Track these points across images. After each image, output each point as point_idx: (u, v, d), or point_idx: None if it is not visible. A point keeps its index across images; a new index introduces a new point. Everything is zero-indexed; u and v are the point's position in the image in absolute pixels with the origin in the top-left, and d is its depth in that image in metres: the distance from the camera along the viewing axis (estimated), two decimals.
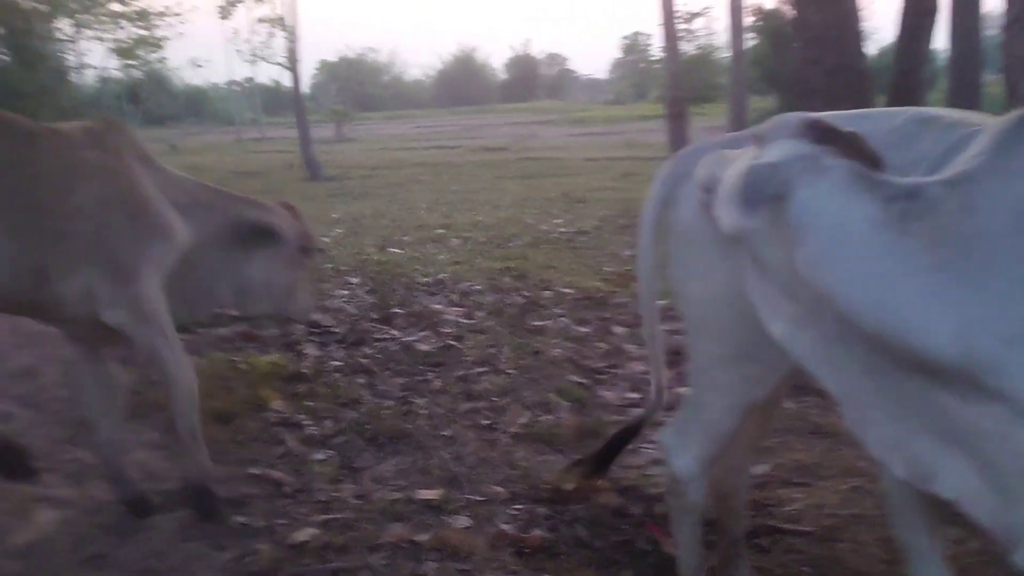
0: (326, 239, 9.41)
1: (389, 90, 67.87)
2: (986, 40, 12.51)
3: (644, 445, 3.71)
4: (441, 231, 9.73)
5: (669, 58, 11.65)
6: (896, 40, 8.17)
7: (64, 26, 25.42)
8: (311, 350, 4.99)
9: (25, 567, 2.88)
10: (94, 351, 3.13)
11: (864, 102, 6.67)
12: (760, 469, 3.49)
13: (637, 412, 4.06)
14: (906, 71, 7.85)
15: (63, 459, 3.70)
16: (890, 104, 8.40)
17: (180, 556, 2.91)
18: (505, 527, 3.02)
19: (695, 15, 29.18)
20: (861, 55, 7.54)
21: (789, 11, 26.04)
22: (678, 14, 11.50)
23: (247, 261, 3.29)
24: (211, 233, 3.17)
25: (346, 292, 6.48)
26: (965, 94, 10.42)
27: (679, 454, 2.39)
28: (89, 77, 29.77)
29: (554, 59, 78.00)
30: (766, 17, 24.21)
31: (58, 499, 3.35)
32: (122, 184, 2.90)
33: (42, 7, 22.78)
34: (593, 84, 73.70)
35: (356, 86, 61.18)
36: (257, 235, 3.27)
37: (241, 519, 3.11)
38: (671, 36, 11.60)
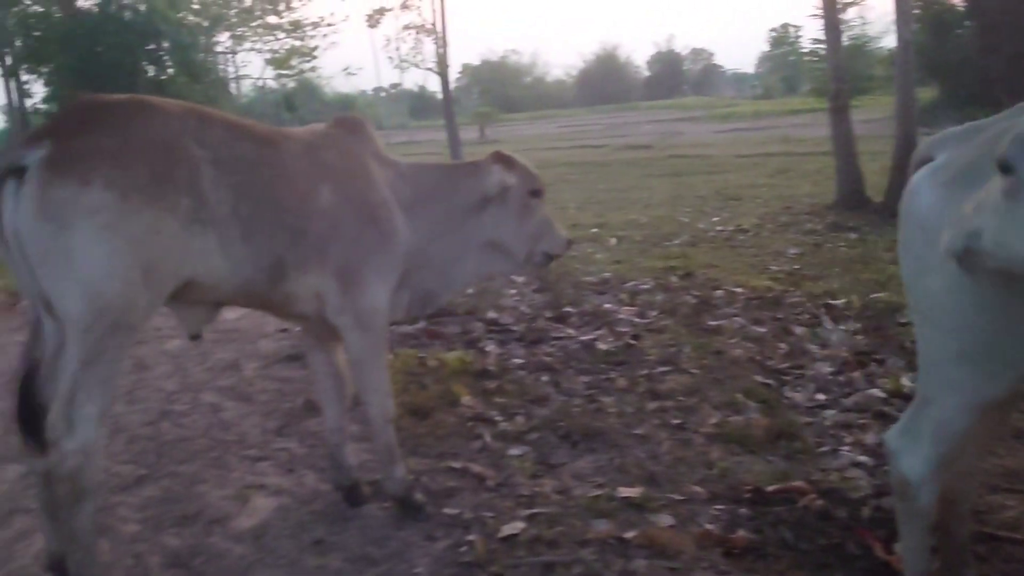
0: None
1: (531, 91, 68.34)
2: None
3: (842, 447, 3.64)
4: (596, 230, 9.75)
5: (830, 49, 11.26)
6: None
7: (223, 39, 26.84)
8: (492, 348, 5.10)
9: (252, 550, 3.06)
10: (327, 341, 3.29)
11: None
12: None
13: (828, 413, 4.00)
14: None
15: (274, 448, 3.93)
16: None
17: (395, 544, 3.04)
18: (710, 527, 3.02)
19: (849, 4, 28.18)
20: None
21: None
22: (837, 2, 11.11)
23: (483, 227, 3.30)
24: (441, 219, 3.24)
25: (515, 291, 6.58)
26: None
27: (908, 456, 2.32)
28: (246, 87, 31.28)
29: (699, 54, 76.89)
30: (925, 5, 23.18)
31: (273, 487, 3.56)
32: (356, 189, 3.03)
33: (204, 22, 24.10)
34: (740, 79, 72.16)
35: (498, 88, 61.92)
36: (484, 201, 3.30)
37: (449, 511, 3.22)
38: (833, 25, 11.22)
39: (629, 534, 2.95)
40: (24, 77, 21.40)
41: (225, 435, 4.14)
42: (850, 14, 29.21)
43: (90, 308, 2.41)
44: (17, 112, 21.63)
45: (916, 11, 24.39)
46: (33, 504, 3.07)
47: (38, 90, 21.54)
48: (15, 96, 21.54)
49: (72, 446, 2.45)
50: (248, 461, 3.83)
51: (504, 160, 3.33)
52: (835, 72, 11.12)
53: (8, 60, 21.24)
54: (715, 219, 10.27)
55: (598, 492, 3.28)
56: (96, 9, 20.55)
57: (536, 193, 3.36)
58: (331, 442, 3.38)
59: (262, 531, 3.20)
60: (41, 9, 20.89)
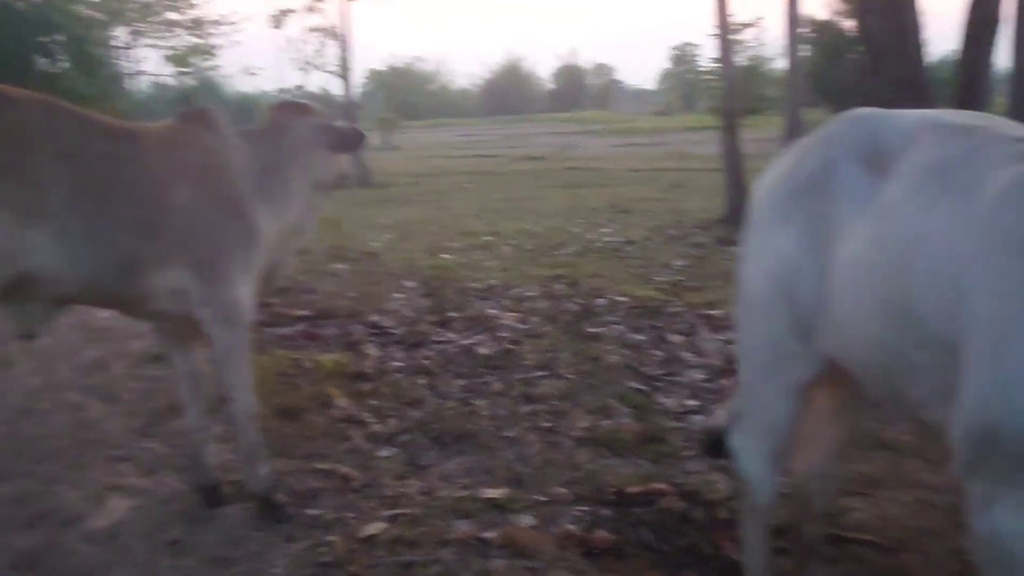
0: (376, 244, 9.54)
1: (436, 99, 68.22)
2: None
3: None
4: (489, 238, 9.80)
5: (724, 68, 11.60)
6: (959, 51, 8.05)
7: (120, 33, 26.02)
8: (372, 350, 5.07)
9: (103, 551, 2.97)
10: (186, 340, 3.21)
11: None
12: None
13: (697, 419, 4.09)
14: (970, 83, 7.75)
15: (137, 449, 3.81)
16: None
17: (254, 545, 2.98)
18: (571, 527, 3.05)
19: (746, 26, 29.08)
20: (922, 67, 7.46)
21: (844, 23, 25.84)
22: (731, 25, 11.46)
23: (309, 175, 3.29)
24: (285, 187, 3.21)
25: (401, 296, 6.56)
26: None
27: (746, 454, 2.43)
28: (144, 84, 30.39)
29: (601, 69, 77.87)
30: (819, 29, 24.06)
31: (132, 487, 3.46)
32: (213, 183, 2.98)
33: (100, 15, 23.34)
34: (641, 95, 73.39)
35: (403, 95, 61.66)
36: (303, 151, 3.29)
37: (311, 511, 3.18)
38: (726, 46, 11.57)
39: (489, 534, 2.96)
40: None
41: (87, 434, 4.00)
42: (748, 35, 30.16)
43: None
44: None
45: (812, 35, 25.35)
46: None
47: None
48: None
49: None
50: (109, 461, 3.71)
51: (297, 107, 3.37)
52: (726, 91, 11.45)
53: None
54: (605, 230, 10.42)
55: (463, 493, 3.28)
56: None
57: (330, 130, 3.39)
58: (191, 442, 3.31)
59: (117, 531, 3.10)
60: None
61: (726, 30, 11.43)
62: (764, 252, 2.25)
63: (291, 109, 3.34)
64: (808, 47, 22.87)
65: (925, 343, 1.78)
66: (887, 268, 1.86)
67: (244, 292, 3.00)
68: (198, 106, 3.38)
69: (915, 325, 1.79)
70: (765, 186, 2.31)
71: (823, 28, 23.95)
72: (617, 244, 9.39)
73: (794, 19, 11.40)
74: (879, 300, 1.88)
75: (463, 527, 3.03)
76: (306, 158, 3.25)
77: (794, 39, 10.22)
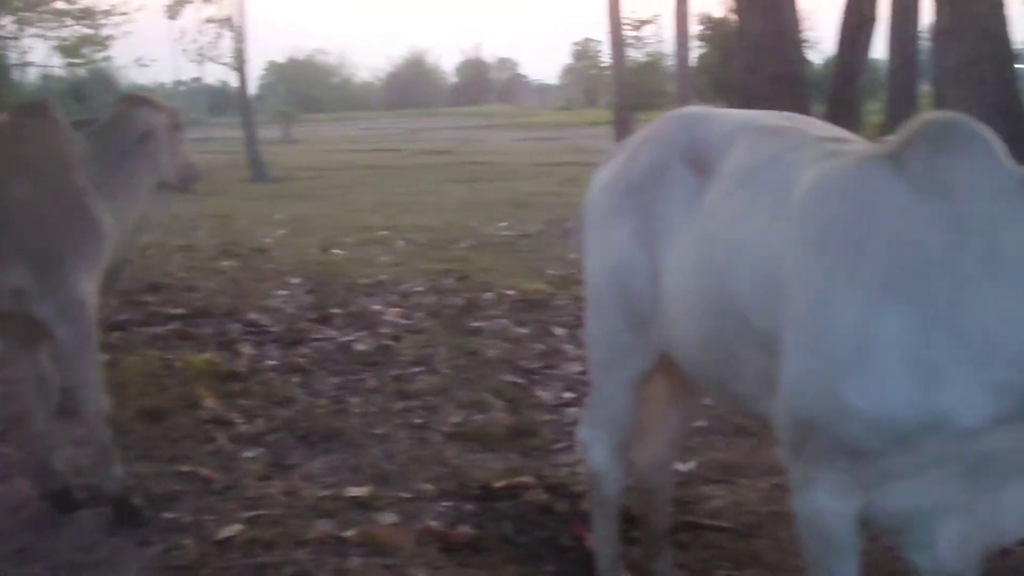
0: (268, 240, 9.39)
1: (338, 92, 67.36)
2: (924, 51, 12.83)
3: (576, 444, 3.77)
4: (384, 233, 9.74)
5: (615, 65, 11.77)
6: (836, 50, 8.34)
7: (6, 23, 24.93)
8: (247, 349, 4.99)
9: None
10: (28, 343, 3.11)
11: (803, 110, 6.80)
12: (684, 467, 3.58)
13: (570, 411, 4.14)
14: (845, 81, 8.03)
15: None
16: (830, 112, 8.54)
17: (106, 550, 2.91)
18: (432, 523, 3.05)
19: (644, 23, 29.51)
20: (800, 64, 7.67)
21: (735, 20, 26.43)
22: (627, 21, 11.63)
23: (149, 171, 3.23)
24: (125, 183, 3.14)
25: (286, 292, 6.48)
26: (902, 103, 10.68)
27: (593, 446, 2.47)
28: (32, 75, 29.19)
29: (505, 63, 78.07)
30: (714, 26, 24.58)
31: None
32: (53, 178, 2.90)
33: None
34: (544, 89, 73.81)
35: (304, 87, 60.72)
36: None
37: (168, 515, 3.12)
38: (618, 43, 11.74)
39: (348, 533, 2.94)
40: None
41: None
42: (646, 32, 30.61)
43: None
44: None
45: (707, 32, 25.89)
46: None
47: None
48: None
49: None
50: None
51: (142, 101, 3.33)
52: (618, 87, 11.62)
53: None
54: (502, 224, 10.47)
55: (326, 492, 3.25)
56: None
57: (177, 126, 3.39)
58: (40, 447, 3.20)
59: None
60: None
61: (618, 27, 11.62)
62: (602, 247, 2.29)
63: (135, 103, 3.27)
64: (703, 44, 23.39)
65: (748, 337, 1.84)
66: (711, 267, 1.92)
67: (87, 288, 2.91)
68: (35, 99, 3.27)
69: (739, 321, 1.85)
70: (602, 181, 2.35)
71: (718, 25, 24.49)
72: (512, 238, 9.44)
73: (683, 16, 11.68)
74: (705, 298, 1.93)
75: (323, 526, 3.00)
76: (150, 153, 3.17)
77: (683, 36, 10.45)
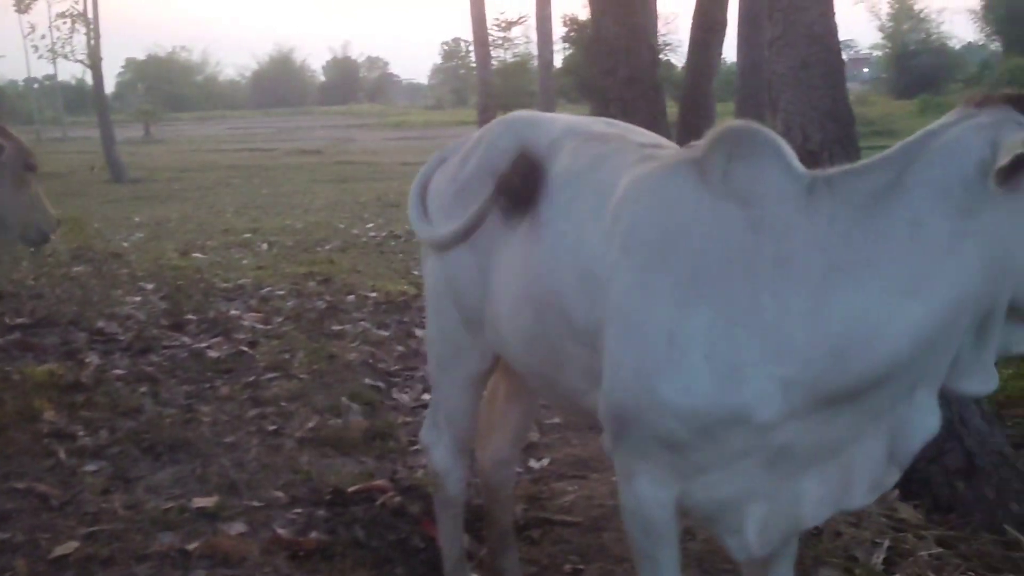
0: (124, 244, 9.06)
1: (202, 90, 65.38)
2: None
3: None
4: (248, 235, 9.54)
5: (480, 65, 11.83)
6: (687, 54, 8.56)
7: None
8: (93, 358, 4.79)
9: None
10: None
11: (658, 111, 6.95)
12: (538, 464, 3.64)
13: None
14: (696, 84, 8.25)
15: None
16: (682, 114, 8.78)
17: None
18: (281, 531, 3.01)
19: (511, 23, 29.75)
20: (654, 67, 7.83)
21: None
22: (495, 22, 11.72)
23: None
24: None
25: (138, 299, 6.26)
26: (751, 106, 11.08)
27: (435, 448, 2.50)
28: None
29: (374, 62, 77.42)
30: (579, 28, 25.00)
31: None
32: None
33: None
34: (414, 89, 73.64)
35: (166, 85, 58.70)
36: None
37: (0, 535, 2.97)
38: (482, 43, 11.80)
39: (192, 545, 2.87)
40: None
41: None
42: (516, 32, 30.88)
43: None
44: None
45: (572, 33, 26.26)
46: None
47: None
48: None
49: None
50: None
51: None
52: (483, 87, 11.69)
53: None
54: (370, 225, 10.40)
55: (170, 504, 3.16)
56: None
57: (30, 167, 3.32)
58: None
59: None
60: None
61: (482, 27, 11.68)
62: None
63: None
64: (568, 45, 23.75)
65: (572, 335, 1.89)
66: (535, 268, 1.96)
67: None
68: None
69: (562, 319, 1.90)
70: (436, 181, 2.37)
71: (583, 27, 24.91)
72: (380, 239, 9.40)
73: (545, 18, 11.89)
74: (530, 297, 1.98)
75: (165, 540, 2.92)
76: None
77: (545, 38, 10.59)
